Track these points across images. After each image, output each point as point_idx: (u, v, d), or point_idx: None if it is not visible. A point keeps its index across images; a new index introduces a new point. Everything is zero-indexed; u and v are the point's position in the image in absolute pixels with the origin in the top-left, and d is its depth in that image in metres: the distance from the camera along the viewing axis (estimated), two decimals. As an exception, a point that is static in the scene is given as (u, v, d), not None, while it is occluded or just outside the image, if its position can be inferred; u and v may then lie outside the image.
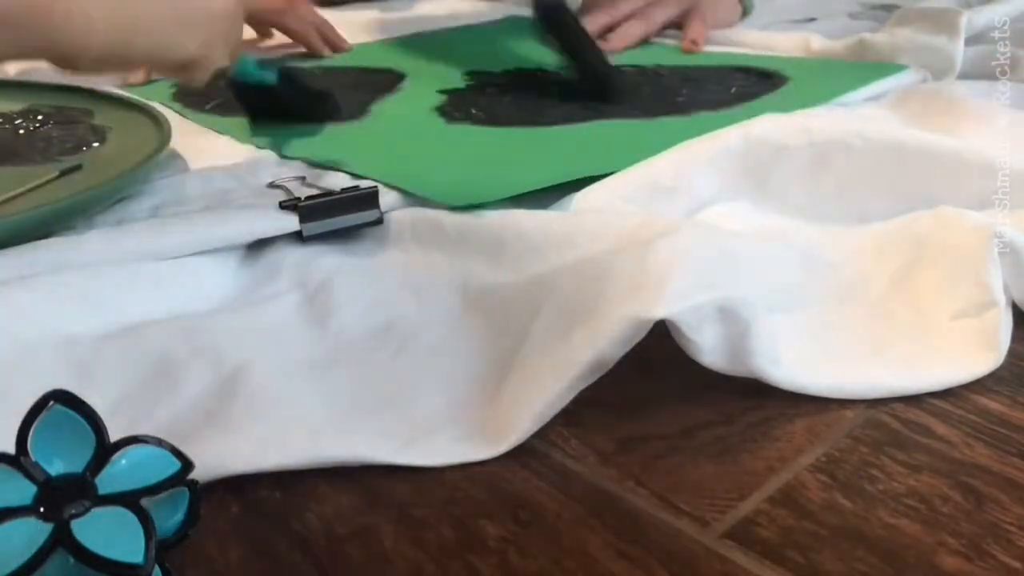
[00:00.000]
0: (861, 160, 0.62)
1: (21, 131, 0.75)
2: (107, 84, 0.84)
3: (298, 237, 0.60)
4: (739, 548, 0.40)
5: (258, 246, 0.61)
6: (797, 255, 0.57)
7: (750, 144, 0.63)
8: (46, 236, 0.55)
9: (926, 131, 0.68)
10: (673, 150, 0.66)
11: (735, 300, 0.47)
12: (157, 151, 0.67)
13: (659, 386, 0.49)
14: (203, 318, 0.52)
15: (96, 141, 0.73)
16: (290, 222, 0.60)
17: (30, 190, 0.63)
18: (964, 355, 0.50)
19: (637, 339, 0.45)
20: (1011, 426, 0.47)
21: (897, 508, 0.42)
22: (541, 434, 0.46)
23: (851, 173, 0.62)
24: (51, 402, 0.35)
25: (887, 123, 0.74)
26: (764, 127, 0.64)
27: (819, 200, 0.62)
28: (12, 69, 0.94)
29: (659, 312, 0.45)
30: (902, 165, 0.61)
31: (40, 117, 0.77)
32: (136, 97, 0.79)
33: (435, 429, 0.46)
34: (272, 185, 0.66)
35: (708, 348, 0.47)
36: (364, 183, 0.63)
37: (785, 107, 0.72)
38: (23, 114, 0.78)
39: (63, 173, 0.66)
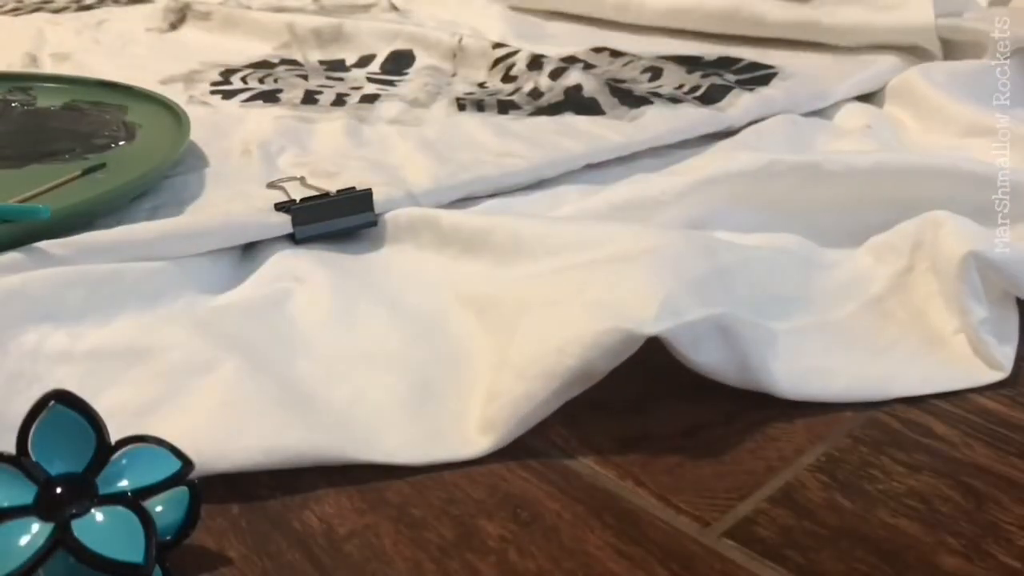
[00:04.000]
0: (854, 182, 0.62)
1: (56, 126, 0.77)
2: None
3: (293, 237, 0.60)
4: (739, 548, 0.40)
5: (254, 246, 0.61)
6: (792, 261, 0.57)
7: (734, 174, 0.63)
8: (50, 237, 0.55)
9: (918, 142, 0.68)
10: (664, 172, 0.66)
11: (730, 317, 0.47)
12: (167, 158, 0.68)
13: (659, 386, 0.49)
14: (198, 319, 0.52)
15: (125, 139, 0.74)
16: (284, 224, 0.60)
17: (50, 189, 0.64)
18: (968, 366, 0.50)
19: (628, 354, 0.45)
20: (1011, 426, 0.47)
21: (897, 508, 0.42)
22: (541, 434, 0.46)
23: (845, 195, 0.62)
24: (51, 402, 0.35)
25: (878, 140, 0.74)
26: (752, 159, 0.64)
27: (816, 219, 0.62)
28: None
29: (651, 328, 0.45)
30: (898, 184, 0.62)
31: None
32: (165, 96, 0.80)
33: (423, 427, 0.46)
34: (271, 185, 0.66)
35: (706, 364, 0.47)
36: (360, 185, 0.63)
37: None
38: (64, 109, 0.80)
39: (85, 172, 0.67)
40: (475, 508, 0.42)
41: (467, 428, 0.46)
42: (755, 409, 0.48)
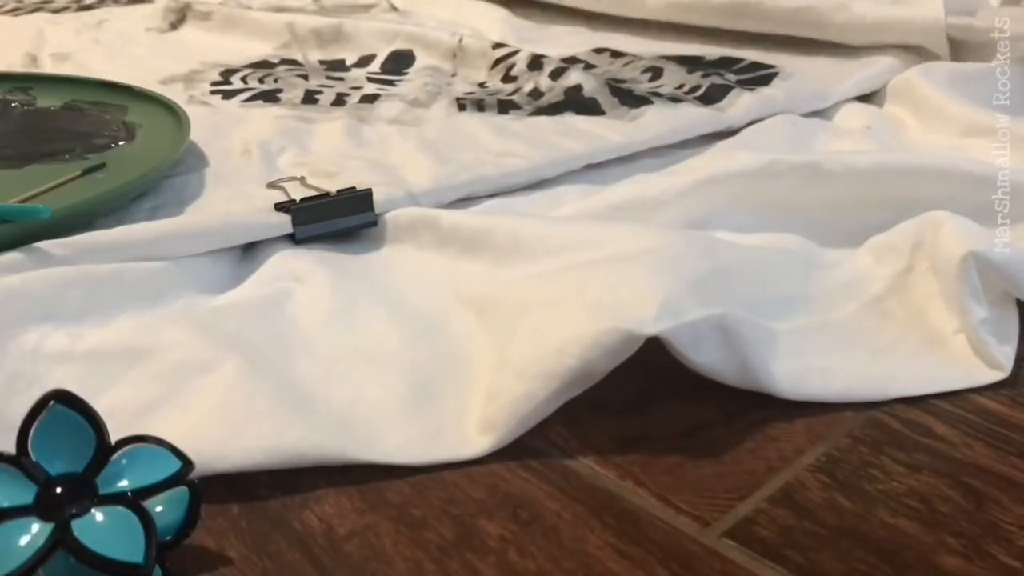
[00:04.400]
0: (854, 182, 0.62)
1: (56, 126, 0.77)
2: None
3: (294, 238, 0.60)
4: (739, 548, 0.40)
5: (254, 246, 0.61)
6: (792, 261, 0.57)
7: (734, 174, 0.63)
8: (50, 237, 0.55)
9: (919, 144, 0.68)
10: (664, 172, 0.66)
11: (730, 317, 0.47)
12: (167, 158, 0.68)
13: (659, 386, 0.49)
14: (198, 319, 0.52)
15: (125, 139, 0.74)
16: (284, 224, 0.60)
17: (50, 189, 0.64)
18: (968, 366, 0.50)
19: (628, 354, 0.45)
20: (1011, 426, 0.47)
21: (897, 508, 0.42)
22: (541, 434, 0.46)
23: (844, 196, 0.62)
24: (51, 402, 0.35)
25: (877, 140, 0.74)
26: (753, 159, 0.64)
27: (816, 219, 0.62)
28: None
29: (651, 328, 0.45)
30: (898, 184, 0.61)
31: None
32: (165, 96, 0.81)
33: (423, 427, 0.46)
34: (271, 185, 0.66)
35: (706, 363, 0.47)
36: (360, 185, 0.63)
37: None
38: (64, 109, 0.81)
39: (85, 172, 0.67)
40: (475, 508, 0.42)
41: (467, 428, 0.46)
42: (755, 409, 0.48)
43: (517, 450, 0.45)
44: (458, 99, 0.84)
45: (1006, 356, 0.50)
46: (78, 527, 0.34)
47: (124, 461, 0.37)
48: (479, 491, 0.43)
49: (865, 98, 0.85)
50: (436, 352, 0.51)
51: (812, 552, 0.39)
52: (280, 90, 0.87)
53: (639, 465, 0.44)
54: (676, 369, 0.48)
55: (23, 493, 0.35)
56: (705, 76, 0.86)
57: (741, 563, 0.39)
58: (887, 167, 0.62)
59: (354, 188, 0.62)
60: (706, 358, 0.47)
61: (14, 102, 0.82)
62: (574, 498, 0.43)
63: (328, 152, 0.73)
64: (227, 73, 0.93)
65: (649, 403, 0.49)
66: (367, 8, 1.18)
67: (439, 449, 0.45)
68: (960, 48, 0.87)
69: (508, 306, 0.52)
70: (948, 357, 0.51)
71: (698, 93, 0.82)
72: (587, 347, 0.45)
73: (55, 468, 0.35)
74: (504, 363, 0.48)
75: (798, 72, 0.87)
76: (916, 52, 0.88)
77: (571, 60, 0.92)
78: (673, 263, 0.49)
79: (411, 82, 0.90)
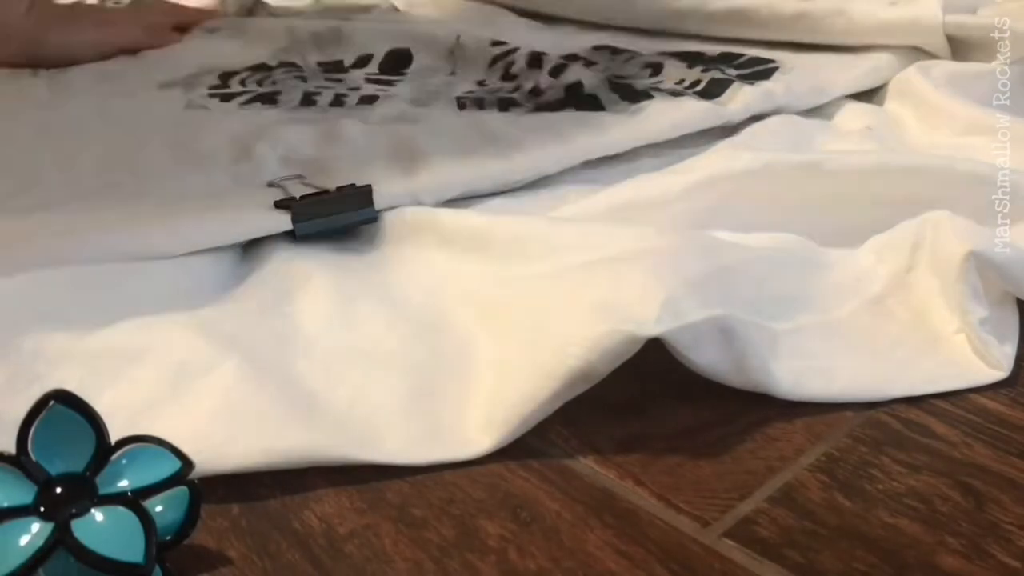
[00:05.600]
0: (854, 182, 0.62)
1: None
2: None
3: (294, 235, 0.60)
4: (739, 547, 0.40)
5: (254, 244, 0.61)
6: (793, 260, 0.57)
7: (735, 173, 0.63)
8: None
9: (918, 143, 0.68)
10: (664, 172, 0.66)
11: (731, 319, 0.47)
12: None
13: (659, 386, 0.49)
14: (198, 319, 0.52)
15: None
16: (284, 221, 0.60)
17: None
18: (968, 366, 0.50)
19: (629, 354, 0.45)
20: (1011, 426, 0.47)
21: (897, 508, 0.42)
22: (541, 434, 0.46)
23: (843, 195, 0.62)
24: (51, 402, 0.35)
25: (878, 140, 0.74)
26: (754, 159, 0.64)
27: (816, 219, 0.62)
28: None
29: (652, 330, 0.45)
30: (898, 184, 0.61)
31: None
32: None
33: (423, 427, 0.46)
34: (271, 184, 0.66)
35: (707, 364, 0.47)
36: (360, 181, 0.63)
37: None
38: None
39: None
40: (475, 508, 0.42)
41: (467, 428, 0.46)
42: (755, 409, 0.48)
43: (517, 450, 0.45)
44: (458, 98, 0.84)
45: (1006, 356, 0.50)
46: (78, 527, 0.34)
47: (124, 461, 0.37)
48: (479, 491, 0.43)
49: (866, 96, 0.85)
50: (436, 352, 0.51)
51: (812, 552, 0.39)
52: (278, 92, 0.87)
53: (639, 465, 0.44)
54: (676, 369, 0.48)
55: (23, 493, 0.35)
56: (705, 71, 0.85)
57: (741, 563, 0.39)
58: (887, 167, 0.62)
59: (353, 185, 0.62)
60: (706, 358, 0.47)
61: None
62: (574, 498, 0.43)
63: (328, 152, 0.73)
64: (225, 76, 0.93)
65: (649, 403, 0.49)
66: (367, 9, 1.18)
67: (439, 449, 0.45)
68: (961, 47, 0.87)
69: (509, 306, 0.52)
70: (948, 357, 0.51)
71: (698, 88, 0.82)
72: (588, 348, 0.45)
73: (55, 468, 0.35)
74: (504, 363, 0.48)
75: (799, 67, 0.87)
76: (916, 53, 0.88)
77: (571, 57, 0.92)
78: (673, 263, 0.49)
79: (410, 82, 0.90)
